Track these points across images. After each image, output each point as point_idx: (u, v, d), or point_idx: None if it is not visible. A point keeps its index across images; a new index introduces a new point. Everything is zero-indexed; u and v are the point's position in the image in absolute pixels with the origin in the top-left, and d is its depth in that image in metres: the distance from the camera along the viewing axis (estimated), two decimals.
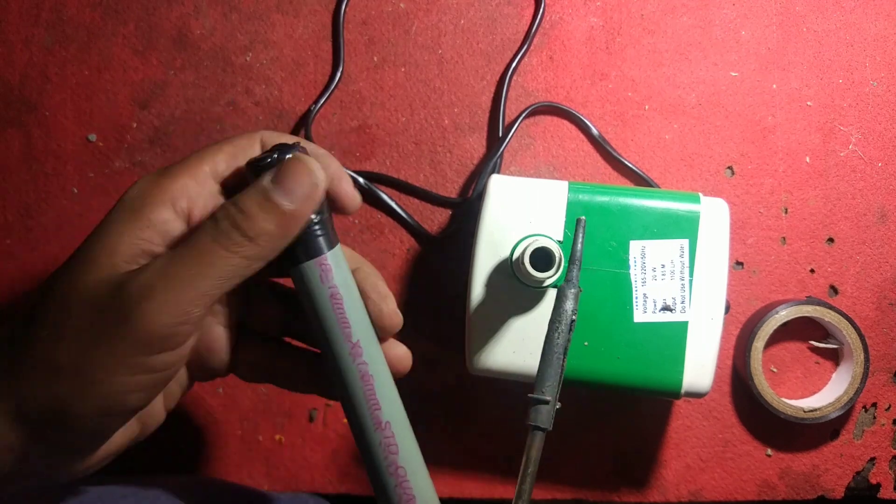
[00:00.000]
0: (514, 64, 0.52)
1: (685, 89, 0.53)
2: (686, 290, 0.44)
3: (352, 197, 0.35)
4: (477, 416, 0.52)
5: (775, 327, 0.49)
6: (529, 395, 0.34)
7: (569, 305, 0.35)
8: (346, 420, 0.34)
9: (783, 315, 0.49)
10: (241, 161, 0.33)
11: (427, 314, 0.52)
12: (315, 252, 0.32)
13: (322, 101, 0.52)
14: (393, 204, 0.52)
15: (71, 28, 0.53)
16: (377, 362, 0.33)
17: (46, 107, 0.53)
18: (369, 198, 0.53)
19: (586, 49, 0.53)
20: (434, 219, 0.53)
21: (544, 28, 0.53)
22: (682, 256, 0.44)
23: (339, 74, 0.53)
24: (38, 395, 0.29)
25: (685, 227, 0.44)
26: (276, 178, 0.31)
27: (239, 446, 0.52)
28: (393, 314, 0.35)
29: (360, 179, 0.52)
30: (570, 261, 0.36)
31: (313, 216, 0.32)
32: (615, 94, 0.53)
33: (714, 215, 0.44)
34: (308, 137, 0.51)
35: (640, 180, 0.52)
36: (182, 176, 0.32)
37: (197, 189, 0.32)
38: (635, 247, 0.44)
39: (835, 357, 0.52)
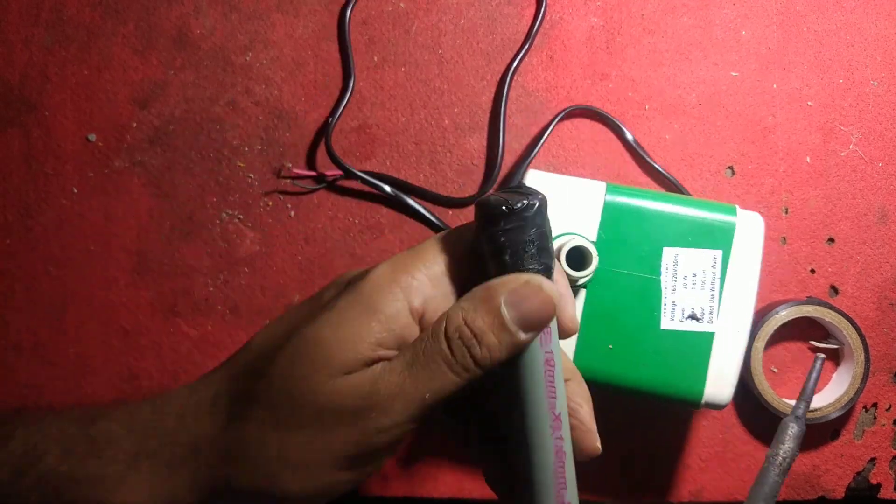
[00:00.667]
0: (514, 64, 0.52)
1: (686, 89, 0.53)
2: (715, 302, 0.44)
3: (571, 322, 0.33)
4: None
5: (776, 327, 0.49)
6: None
7: (789, 444, 0.32)
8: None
9: (784, 315, 0.49)
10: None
11: None
12: None
13: (339, 114, 0.52)
14: (415, 205, 0.52)
15: (71, 28, 0.53)
16: (568, 442, 0.32)
17: (46, 106, 0.53)
18: (370, 197, 0.53)
19: (587, 49, 0.53)
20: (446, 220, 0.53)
21: (545, 28, 0.53)
22: (714, 267, 0.44)
23: (351, 85, 0.52)
24: (251, 481, 0.30)
25: (720, 239, 0.44)
26: (512, 300, 0.30)
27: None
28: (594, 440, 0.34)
29: (387, 188, 0.51)
30: (800, 398, 0.33)
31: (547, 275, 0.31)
32: (615, 94, 0.53)
33: (749, 228, 0.44)
34: (329, 150, 0.51)
35: (672, 187, 0.52)
36: (417, 272, 0.31)
37: (432, 292, 0.31)
38: (668, 254, 0.44)
39: (835, 357, 0.52)
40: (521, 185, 0.32)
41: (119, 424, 0.33)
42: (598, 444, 0.34)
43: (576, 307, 0.33)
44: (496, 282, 0.30)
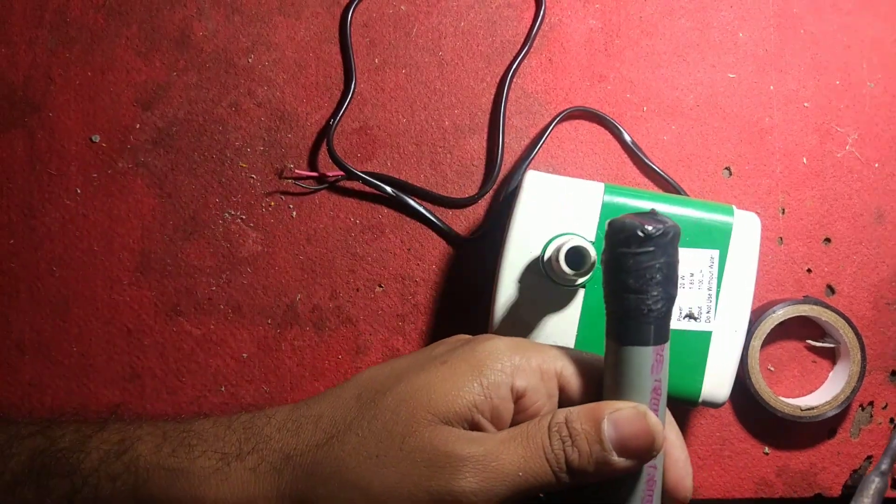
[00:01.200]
0: (513, 66, 0.53)
1: (683, 91, 0.53)
2: (712, 301, 0.44)
3: (685, 492, 0.33)
4: None
5: (772, 326, 0.49)
6: None
7: (873, 499, 0.32)
8: None
9: (780, 314, 0.50)
10: (589, 375, 0.33)
11: (429, 314, 0.53)
12: (658, 339, 0.30)
13: (340, 115, 0.52)
14: (416, 205, 0.52)
15: (74, 30, 0.54)
16: (660, 470, 0.32)
17: (50, 108, 0.54)
18: (371, 197, 0.53)
19: (585, 51, 0.53)
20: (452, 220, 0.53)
21: (544, 30, 0.53)
22: (711, 267, 0.44)
23: (352, 87, 0.53)
24: (329, 498, 0.31)
25: (717, 239, 0.44)
26: (615, 419, 0.30)
27: None
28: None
29: (388, 188, 0.52)
30: (885, 453, 0.33)
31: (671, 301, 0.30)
32: (614, 96, 0.53)
33: (746, 229, 0.44)
34: (330, 151, 0.51)
35: (669, 187, 0.52)
36: (532, 359, 0.32)
37: (538, 383, 0.32)
38: None
39: (832, 356, 0.52)
40: (654, 212, 0.31)
41: (217, 426, 0.33)
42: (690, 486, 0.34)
43: (689, 467, 0.33)
44: (606, 402, 0.31)
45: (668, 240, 0.30)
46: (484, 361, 0.32)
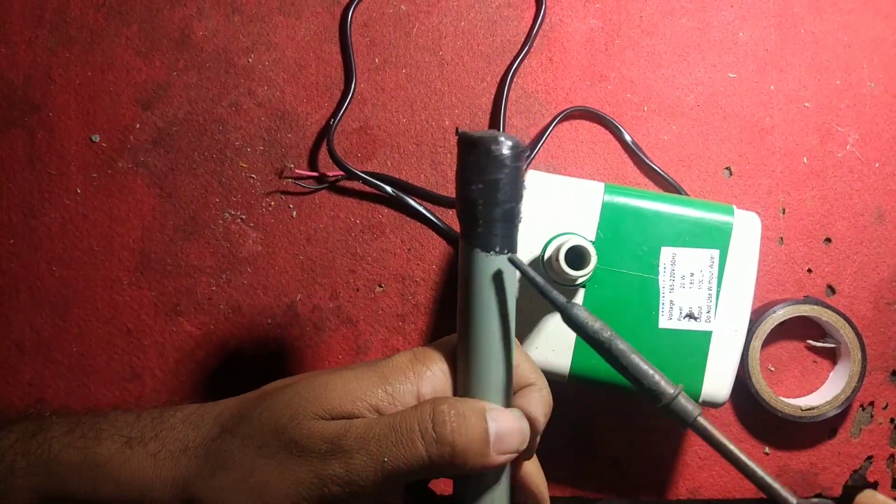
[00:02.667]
0: (514, 66, 0.53)
1: (684, 90, 0.53)
2: (713, 301, 0.44)
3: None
4: None
5: (773, 326, 0.49)
6: (661, 405, 0.33)
7: (589, 319, 0.33)
8: None
9: (781, 314, 0.49)
10: None
11: (429, 314, 0.53)
12: (491, 245, 0.32)
13: (340, 115, 0.52)
14: (416, 205, 0.52)
15: (74, 29, 0.54)
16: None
17: (50, 108, 0.54)
18: (371, 197, 0.53)
19: (586, 51, 0.53)
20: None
21: (544, 30, 0.53)
22: (711, 266, 0.44)
23: (352, 87, 0.53)
24: (218, 489, 0.32)
25: (717, 238, 0.44)
26: (497, 416, 0.32)
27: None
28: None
29: (388, 188, 0.52)
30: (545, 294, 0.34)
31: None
32: (614, 96, 0.53)
33: (746, 228, 0.45)
34: (330, 151, 0.51)
35: (670, 187, 0.52)
36: (434, 365, 0.34)
37: (444, 384, 0.33)
38: (666, 253, 0.44)
39: (832, 356, 0.52)
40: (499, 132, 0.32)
41: (128, 415, 0.35)
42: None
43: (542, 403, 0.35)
44: (488, 405, 0.32)
45: (500, 154, 0.31)
46: (388, 373, 0.33)
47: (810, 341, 0.52)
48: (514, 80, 0.53)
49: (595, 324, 0.32)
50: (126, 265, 0.53)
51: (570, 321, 0.32)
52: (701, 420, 0.33)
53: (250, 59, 0.53)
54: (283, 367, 0.53)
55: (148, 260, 0.53)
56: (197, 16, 0.54)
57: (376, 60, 0.53)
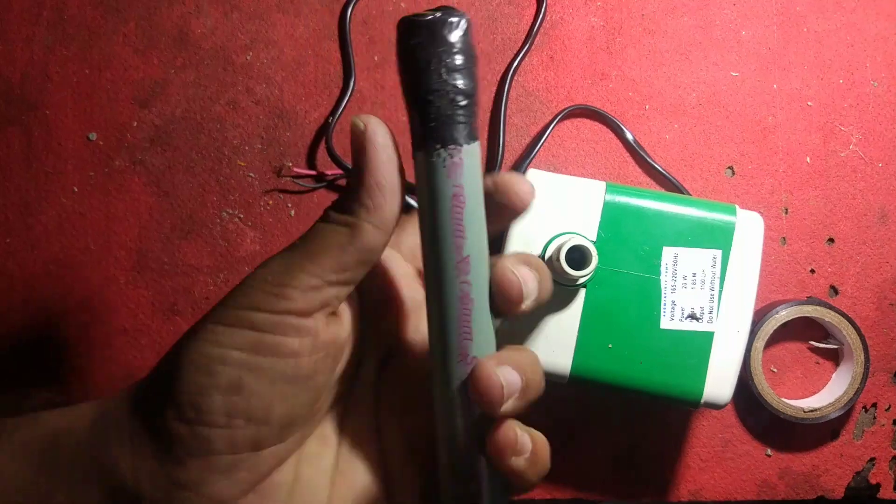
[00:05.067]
0: (514, 64, 0.52)
1: (686, 89, 0.53)
2: (715, 301, 0.44)
3: (522, 192, 0.30)
4: None
5: (775, 327, 0.49)
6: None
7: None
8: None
9: (783, 315, 0.49)
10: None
11: None
12: (448, 139, 0.28)
13: (339, 113, 0.52)
14: (415, 204, 0.52)
15: (72, 27, 0.53)
16: (481, 288, 0.29)
17: (47, 105, 0.53)
18: None
19: (587, 49, 0.53)
20: None
21: (545, 28, 0.53)
22: (713, 267, 0.44)
23: (351, 85, 0.52)
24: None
25: (719, 238, 0.44)
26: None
27: None
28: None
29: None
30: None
31: (458, 97, 0.28)
32: (616, 94, 0.53)
33: (749, 228, 0.44)
34: (329, 149, 0.51)
35: (672, 187, 0.52)
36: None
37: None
38: (668, 253, 0.44)
39: (835, 357, 0.52)
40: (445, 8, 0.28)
41: None
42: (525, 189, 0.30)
43: (524, 182, 0.31)
44: None
45: (445, 27, 0.27)
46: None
47: (813, 342, 0.52)
48: (515, 78, 0.53)
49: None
50: (123, 264, 0.52)
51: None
52: None
53: (248, 57, 0.53)
54: None
55: (145, 259, 0.52)
56: (195, 13, 0.53)
57: (375, 58, 0.53)
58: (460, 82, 0.28)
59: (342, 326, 0.30)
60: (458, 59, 0.28)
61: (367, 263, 0.29)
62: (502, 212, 0.31)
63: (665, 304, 0.44)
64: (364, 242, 0.29)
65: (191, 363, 0.28)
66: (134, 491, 0.28)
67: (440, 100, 0.28)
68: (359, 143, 0.30)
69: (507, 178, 0.30)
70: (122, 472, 0.28)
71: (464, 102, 0.28)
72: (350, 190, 0.30)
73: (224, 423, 0.27)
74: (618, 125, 0.52)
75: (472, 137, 0.28)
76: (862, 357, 0.49)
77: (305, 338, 0.28)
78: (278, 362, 0.28)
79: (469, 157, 0.28)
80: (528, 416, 0.30)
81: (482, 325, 0.29)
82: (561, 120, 0.52)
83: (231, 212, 0.53)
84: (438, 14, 0.27)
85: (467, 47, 0.28)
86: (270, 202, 0.53)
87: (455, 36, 0.28)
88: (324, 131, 0.52)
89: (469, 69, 0.28)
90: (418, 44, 0.28)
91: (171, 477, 0.27)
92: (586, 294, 0.44)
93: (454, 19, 0.27)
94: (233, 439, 0.28)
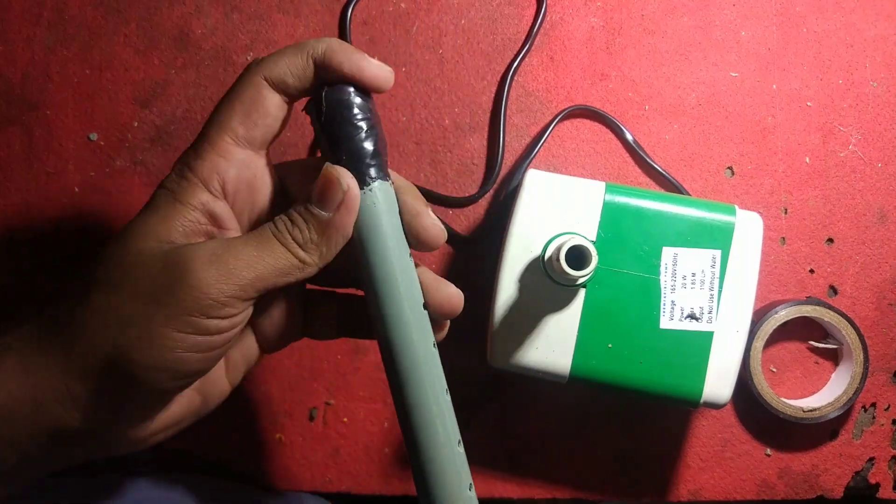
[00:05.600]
0: (514, 64, 0.52)
1: (685, 90, 0.53)
2: (714, 301, 0.44)
3: (433, 235, 0.35)
4: (477, 415, 0.52)
5: (775, 327, 0.49)
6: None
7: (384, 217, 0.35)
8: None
9: (783, 315, 0.49)
10: (256, 116, 0.34)
11: None
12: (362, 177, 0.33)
13: None
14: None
15: (73, 27, 0.53)
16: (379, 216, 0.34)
17: (48, 106, 0.53)
18: None
19: (587, 49, 0.53)
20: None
21: (545, 28, 0.53)
22: (713, 267, 0.44)
23: None
24: (101, 345, 0.30)
25: (719, 238, 0.44)
26: (315, 189, 0.33)
27: (238, 445, 0.52)
28: (430, 226, 0.35)
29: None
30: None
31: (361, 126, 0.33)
32: (615, 95, 0.53)
33: (748, 228, 0.44)
34: None
35: (671, 187, 0.52)
36: (209, 156, 0.33)
37: (225, 164, 0.33)
38: (668, 253, 0.44)
39: (834, 357, 0.52)
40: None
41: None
42: (435, 224, 0.35)
43: (435, 221, 0.35)
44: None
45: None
46: (175, 193, 0.33)
47: (812, 342, 0.52)
48: (515, 78, 0.53)
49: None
50: None
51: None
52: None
53: (249, 58, 0.53)
54: (282, 368, 0.52)
55: None
56: (195, 14, 0.53)
57: (375, 58, 0.53)
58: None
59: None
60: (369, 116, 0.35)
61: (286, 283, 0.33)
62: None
63: (665, 304, 0.44)
64: (306, 276, 0.33)
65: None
66: (71, 428, 0.31)
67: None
68: (332, 195, 0.33)
69: (415, 224, 0.35)
70: (59, 417, 0.31)
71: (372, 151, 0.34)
72: (311, 222, 0.33)
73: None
74: (617, 125, 0.52)
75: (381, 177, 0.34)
76: (861, 357, 0.49)
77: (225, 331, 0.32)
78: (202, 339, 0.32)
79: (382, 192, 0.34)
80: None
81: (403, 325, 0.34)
82: (561, 120, 0.52)
83: None
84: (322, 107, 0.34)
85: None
86: None
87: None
88: None
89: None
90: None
91: (99, 413, 0.31)
92: (586, 294, 0.44)
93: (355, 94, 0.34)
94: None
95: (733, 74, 0.53)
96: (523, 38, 0.53)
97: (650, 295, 0.44)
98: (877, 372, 0.52)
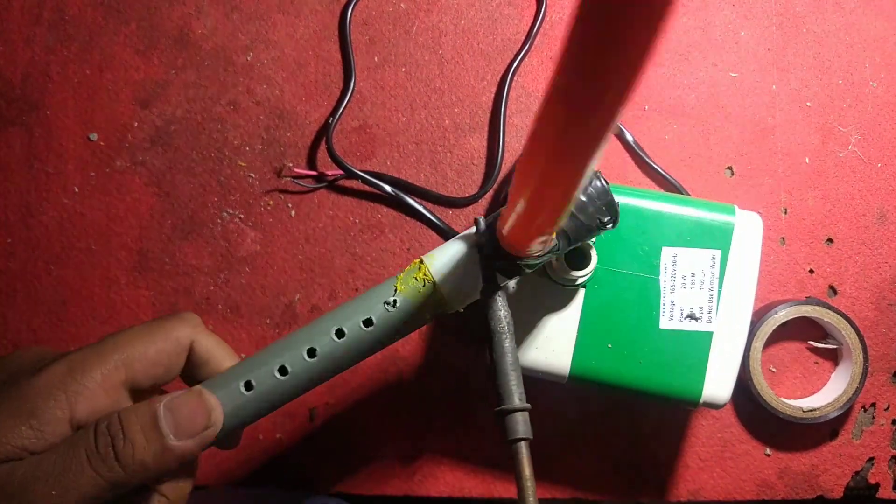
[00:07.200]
0: (514, 64, 0.52)
1: (685, 90, 0.53)
2: (714, 301, 0.44)
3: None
4: (477, 415, 0.52)
5: (774, 327, 0.49)
6: (498, 408, 0.34)
7: (504, 311, 0.35)
8: None
9: (782, 315, 0.49)
10: (158, 361, 0.31)
11: None
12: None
13: (339, 114, 0.52)
14: (416, 204, 0.52)
15: (73, 27, 0.53)
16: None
17: (48, 106, 0.53)
18: (370, 197, 0.53)
19: None
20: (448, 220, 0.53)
21: (545, 28, 0.53)
22: (712, 267, 0.44)
23: (352, 86, 0.52)
24: None
25: (718, 238, 0.44)
26: (172, 405, 0.29)
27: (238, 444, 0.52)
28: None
29: (387, 188, 0.52)
30: (494, 269, 0.36)
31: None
32: None
33: (748, 228, 0.44)
34: (329, 150, 0.51)
35: (671, 187, 0.52)
36: (90, 379, 0.30)
37: (104, 400, 0.30)
38: (667, 253, 0.44)
39: (834, 357, 0.52)
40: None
41: None
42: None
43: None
44: (167, 394, 0.30)
45: None
46: (33, 402, 0.29)
47: (812, 342, 0.52)
48: (515, 78, 0.53)
49: (502, 311, 0.34)
50: (124, 264, 0.53)
51: (485, 295, 0.35)
52: (522, 446, 0.33)
53: (249, 58, 0.53)
54: None
55: (146, 259, 0.53)
56: (196, 14, 0.53)
57: (376, 59, 0.53)
58: None
59: None
60: None
61: None
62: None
63: (664, 305, 0.44)
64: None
65: None
66: None
67: None
68: (200, 424, 0.30)
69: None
70: None
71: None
72: (152, 444, 0.30)
73: None
74: (617, 126, 0.52)
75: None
76: (861, 357, 0.49)
77: None
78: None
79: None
80: None
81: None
82: None
83: (231, 212, 0.53)
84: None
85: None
86: (271, 202, 0.53)
87: None
88: (324, 132, 0.52)
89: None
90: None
91: None
92: (586, 294, 0.44)
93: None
94: None
95: (733, 75, 0.53)
96: (523, 38, 0.53)
97: (650, 295, 0.44)
98: (876, 372, 0.52)
